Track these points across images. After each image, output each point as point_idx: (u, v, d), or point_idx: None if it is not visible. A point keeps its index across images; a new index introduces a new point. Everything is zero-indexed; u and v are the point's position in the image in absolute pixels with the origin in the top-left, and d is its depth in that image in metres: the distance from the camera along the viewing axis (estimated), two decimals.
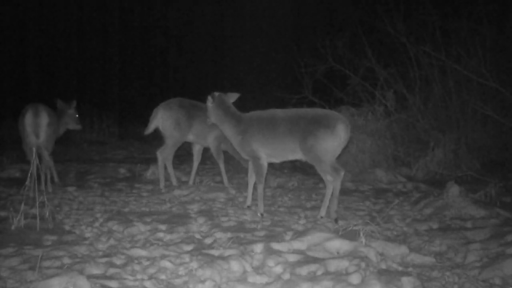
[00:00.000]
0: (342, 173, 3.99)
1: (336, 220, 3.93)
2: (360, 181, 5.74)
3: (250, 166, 4.45)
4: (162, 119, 5.19)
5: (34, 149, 4.11)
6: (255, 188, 4.41)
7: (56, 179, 5.56)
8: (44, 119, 5.00)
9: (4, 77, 14.54)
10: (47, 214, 3.84)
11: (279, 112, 4.28)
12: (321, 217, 4.06)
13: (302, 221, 3.98)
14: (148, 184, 5.52)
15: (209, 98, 4.41)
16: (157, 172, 5.66)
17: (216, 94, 4.42)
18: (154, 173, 5.94)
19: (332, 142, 3.94)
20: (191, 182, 5.50)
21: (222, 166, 5.47)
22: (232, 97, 4.53)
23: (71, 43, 16.39)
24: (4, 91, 14.14)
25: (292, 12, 16.27)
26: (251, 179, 4.44)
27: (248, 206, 4.44)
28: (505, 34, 6.76)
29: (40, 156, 5.01)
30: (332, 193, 4.02)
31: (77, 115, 5.81)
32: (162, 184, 5.26)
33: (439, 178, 6.00)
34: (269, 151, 4.22)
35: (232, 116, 4.37)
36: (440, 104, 7.01)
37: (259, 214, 4.19)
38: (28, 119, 4.95)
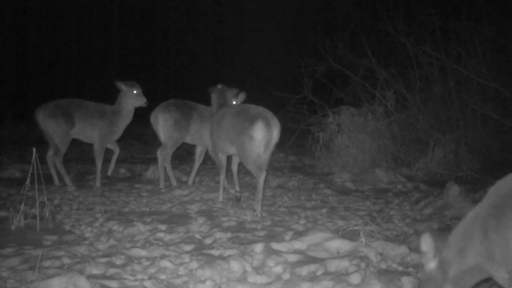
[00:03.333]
0: (263, 175, 4.09)
1: (257, 215, 4.07)
2: (360, 181, 5.74)
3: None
4: (162, 121, 5.26)
5: (34, 149, 4.11)
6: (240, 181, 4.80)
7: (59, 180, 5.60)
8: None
9: (4, 77, 14.53)
10: (47, 214, 3.84)
11: (231, 107, 4.59)
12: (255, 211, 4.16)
13: (302, 221, 3.98)
14: (148, 184, 5.52)
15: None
16: (157, 172, 5.68)
17: (219, 86, 4.83)
18: (154, 173, 5.94)
19: (249, 141, 4.06)
20: (190, 182, 5.52)
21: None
22: (232, 92, 4.92)
23: (71, 43, 16.39)
24: (4, 91, 14.14)
25: (292, 12, 16.28)
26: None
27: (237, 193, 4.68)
28: (505, 34, 6.76)
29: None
30: (257, 188, 4.14)
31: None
32: (162, 184, 5.27)
33: (439, 178, 5.99)
34: (221, 145, 4.51)
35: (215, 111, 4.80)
36: (440, 104, 7.00)
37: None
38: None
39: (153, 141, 9.57)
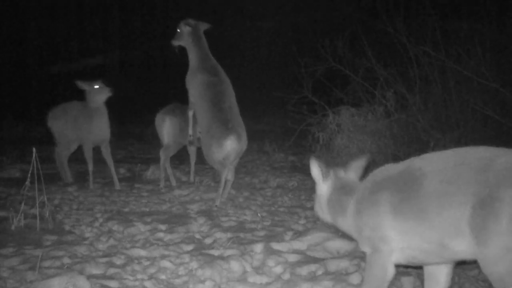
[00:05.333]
0: (226, 170, 4.55)
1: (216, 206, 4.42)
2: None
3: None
4: (168, 125, 5.38)
5: (34, 149, 4.12)
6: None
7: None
8: None
9: (4, 77, 14.53)
10: (47, 214, 3.84)
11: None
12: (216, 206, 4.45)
13: (302, 221, 3.98)
14: (148, 184, 5.53)
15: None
16: (157, 172, 5.70)
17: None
18: (154, 173, 5.94)
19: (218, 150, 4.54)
20: (191, 179, 5.55)
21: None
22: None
23: (71, 43, 16.38)
24: (4, 91, 14.13)
25: (292, 12, 16.27)
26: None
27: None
28: (505, 34, 6.76)
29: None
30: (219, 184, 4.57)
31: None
32: (162, 183, 5.29)
33: None
34: None
35: None
36: (440, 104, 7.00)
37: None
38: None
39: (153, 141, 9.57)
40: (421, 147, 6.55)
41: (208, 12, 17.31)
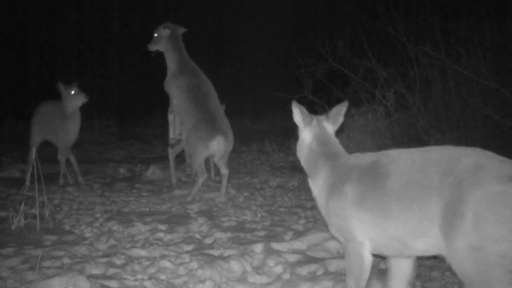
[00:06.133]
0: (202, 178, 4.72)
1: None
2: None
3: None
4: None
5: (34, 149, 4.13)
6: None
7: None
8: None
9: (4, 77, 14.54)
10: (47, 214, 3.84)
11: None
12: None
13: (302, 221, 3.98)
14: (148, 184, 5.53)
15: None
16: (157, 172, 5.71)
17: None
18: (154, 173, 5.94)
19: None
20: (174, 180, 5.51)
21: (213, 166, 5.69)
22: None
23: (71, 43, 16.39)
24: (4, 91, 14.15)
25: (292, 12, 16.28)
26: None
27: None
28: (505, 34, 6.76)
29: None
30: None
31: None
32: (174, 178, 5.38)
33: None
34: None
35: None
36: (440, 104, 7.00)
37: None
38: None
39: (153, 141, 9.58)
40: (421, 147, 6.56)
41: (208, 12, 17.33)
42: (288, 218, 4.08)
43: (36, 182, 3.66)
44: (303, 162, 2.47)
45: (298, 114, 2.40)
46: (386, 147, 6.56)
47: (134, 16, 17.33)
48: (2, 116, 11.44)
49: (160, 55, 5.27)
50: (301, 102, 2.47)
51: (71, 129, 5.51)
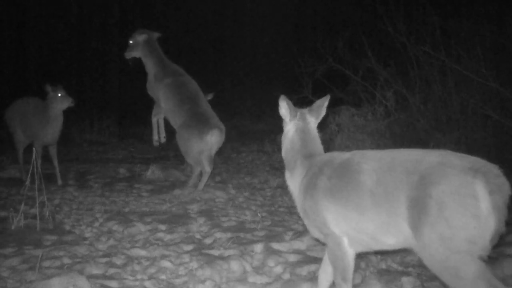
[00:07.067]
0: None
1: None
2: None
3: None
4: None
5: (34, 149, 4.13)
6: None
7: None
8: None
9: (4, 76, 14.54)
10: (47, 214, 3.84)
11: None
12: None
13: (302, 221, 3.97)
14: (148, 184, 5.53)
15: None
16: (157, 172, 5.72)
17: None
18: (154, 173, 5.94)
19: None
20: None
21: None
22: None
23: (71, 42, 16.38)
24: (4, 90, 14.14)
25: (292, 12, 16.27)
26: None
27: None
28: (505, 34, 6.76)
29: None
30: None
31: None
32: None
33: None
34: None
35: None
36: (440, 104, 7.00)
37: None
38: None
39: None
40: (421, 147, 6.55)
41: (208, 12, 17.33)
42: (288, 218, 4.08)
43: (36, 182, 3.66)
44: (283, 154, 2.56)
45: (285, 107, 2.47)
46: (386, 147, 6.56)
47: (134, 16, 17.32)
48: (2, 115, 11.43)
49: (138, 62, 5.31)
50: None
51: (51, 131, 5.40)
